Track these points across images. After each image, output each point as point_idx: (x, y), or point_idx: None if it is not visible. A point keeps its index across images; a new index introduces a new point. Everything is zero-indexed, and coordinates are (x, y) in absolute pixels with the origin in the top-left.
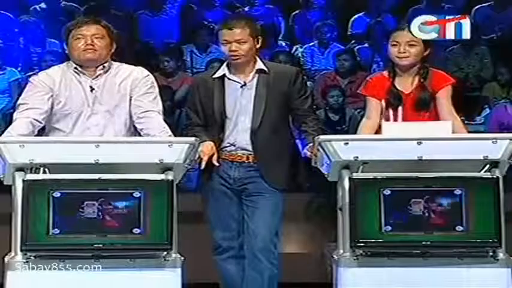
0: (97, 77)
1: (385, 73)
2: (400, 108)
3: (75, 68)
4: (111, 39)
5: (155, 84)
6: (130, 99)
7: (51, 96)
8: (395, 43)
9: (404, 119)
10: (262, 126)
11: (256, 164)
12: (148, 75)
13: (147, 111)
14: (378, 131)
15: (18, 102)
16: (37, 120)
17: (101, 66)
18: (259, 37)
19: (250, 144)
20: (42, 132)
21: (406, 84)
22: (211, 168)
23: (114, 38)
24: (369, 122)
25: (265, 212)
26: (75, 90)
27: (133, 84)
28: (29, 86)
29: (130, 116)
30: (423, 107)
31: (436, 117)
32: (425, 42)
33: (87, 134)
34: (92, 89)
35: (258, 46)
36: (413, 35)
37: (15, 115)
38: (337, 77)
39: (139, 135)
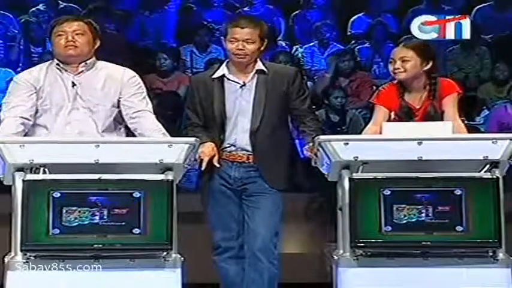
0: (79, 73)
1: (396, 84)
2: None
3: (57, 64)
4: (94, 35)
5: (142, 84)
6: (118, 100)
7: (35, 93)
8: (391, 60)
9: None
10: (261, 127)
11: (256, 164)
12: (135, 76)
13: (139, 111)
14: None
15: (4, 101)
16: (25, 118)
17: (83, 63)
18: (266, 39)
19: (250, 144)
20: None
21: (415, 99)
22: (212, 169)
23: (98, 34)
24: (374, 128)
25: (265, 212)
26: (56, 85)
27: (121, 85)
28: (12, 85)
29: (114, 116)
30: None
31: None
32: (426, 55)
33: (68, 129)
34: (74, 85)
35: (262, 48)
36: (408, 49)
37: (2, 115)
38: (338, 77)
39: (132, 135)
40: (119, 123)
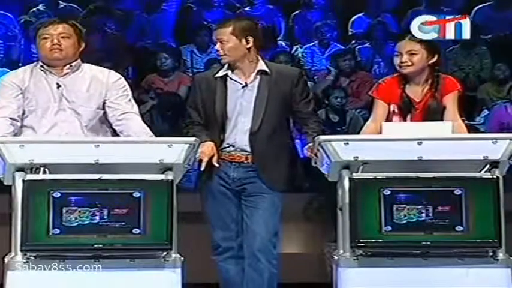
0: (64, 75)
1: (397, 77)
2: (409, 116)
3: (42, 66)
4: (79, 38)
5: (128, 87)
6: (103, 103)
7: (21, 94)
8: (397, 53)
9: None
10: (261, 128)
11: (255, 165)
12: (120, 78)
13: (125, 113)
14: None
15: None
16: (14, 119)
17: (68, 65)
18: (250, 37)
19: (249, 145)
20: None
21: (416, 92)
22: (211, 169)
23: (83, 37)
24: (373, 125)
25: (264, 212)
26: (41, 87)
27: (107, 88)
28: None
29: (98, 118)
30: (433, 117)
31: None
32: (432, 49)
33: (54, 130)
34: (59, 86)
35: (248, 46)
36: (415, 42)
37: None
38: (338, 77)
39: (116, 135)
40: (105, 125)
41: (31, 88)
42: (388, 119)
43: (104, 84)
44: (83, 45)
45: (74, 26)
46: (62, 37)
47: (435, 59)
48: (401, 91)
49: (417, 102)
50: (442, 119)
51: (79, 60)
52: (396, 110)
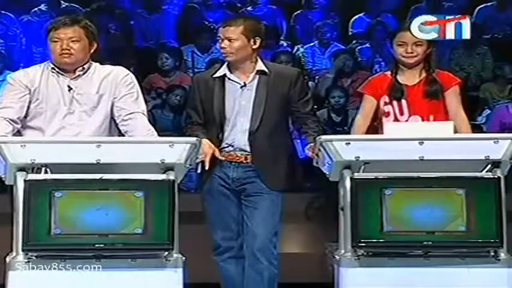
0: (76, 77)
1: (388, 73)
2: (404, 101)
3: (53, 68)
4: (90, 39)
5: (135, 82)
6: (111, 100)
7: (28, 94)
8: (401, 43)
9: (410, 110)
10: (260, 128)
11: (254, 165)
12: (128, 74)
13: (131, 113)
14: (370, 127)
15: None
16: (13, 120)
17: (81, 68)
18: (258, 37)
19: (248, 145)
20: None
21: (410, 77)
22: (211, 168)
23: (95, 37)
24: (363, 120)
25: (264, 212)
26: (52, 89)
27: (114, 85)
28: (6, 85)
29: (111, 117)
30: (432, 96)
31: (445, 111)
32: (429, 41)
33: (62, 133)
34: (70, 89)
35: (255, 46)
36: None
37: None
38: (340, 77)
39: (122, 135)
40: (114, 124)
41: (42, 90)
42: (380, 110)
43: (113, 83)
44: (95, 45)
45: (85, 28)
46: (72, 41)
47: (429, 50)
48: (391, 79)
49: (410, 87)
50: (443, 101)
51: (90, 61)
52: (388, 100)
